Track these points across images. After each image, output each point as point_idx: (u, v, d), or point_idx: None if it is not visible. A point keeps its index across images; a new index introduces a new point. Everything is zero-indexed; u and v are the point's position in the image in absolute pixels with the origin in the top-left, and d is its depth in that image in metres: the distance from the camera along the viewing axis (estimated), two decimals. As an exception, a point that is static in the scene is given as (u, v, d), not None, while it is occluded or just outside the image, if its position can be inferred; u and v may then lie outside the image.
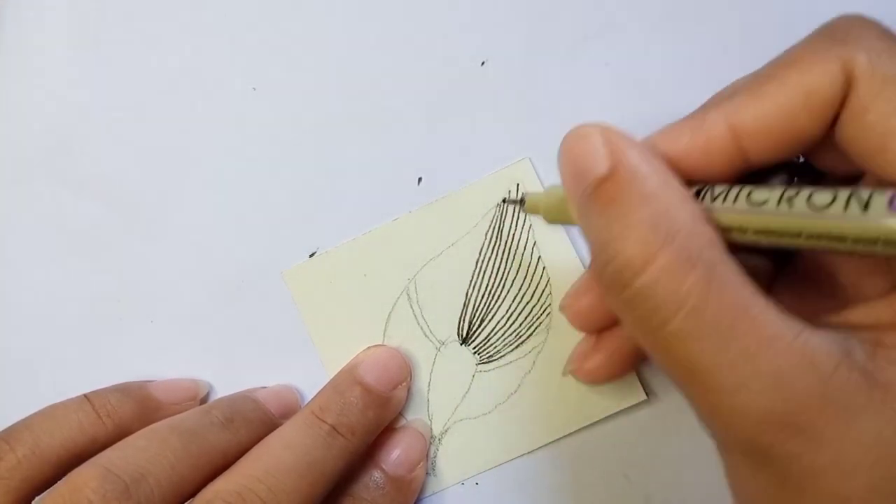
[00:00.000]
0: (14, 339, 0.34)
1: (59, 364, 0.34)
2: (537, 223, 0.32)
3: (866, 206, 0.18)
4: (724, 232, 0.21)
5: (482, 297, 0.32)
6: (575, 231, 0.32)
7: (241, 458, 0.27)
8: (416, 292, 0.32)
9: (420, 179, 0.32)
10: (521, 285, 0.32)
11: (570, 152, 0.22)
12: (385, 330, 0.32)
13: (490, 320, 0.32)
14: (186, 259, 0.33)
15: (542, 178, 0.32)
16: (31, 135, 0.34)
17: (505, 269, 0.32)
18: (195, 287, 0.33)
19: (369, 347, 0.32)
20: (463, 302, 0.32)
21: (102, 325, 0.33)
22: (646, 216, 0.20)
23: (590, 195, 0.21)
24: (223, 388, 0.33)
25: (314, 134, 0.33)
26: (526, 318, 0.32)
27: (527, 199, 0.27)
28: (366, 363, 0.30)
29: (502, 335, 0.32)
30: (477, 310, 0.32)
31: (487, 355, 0.32)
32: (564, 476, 0.32)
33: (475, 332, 0.32)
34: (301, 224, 0.33)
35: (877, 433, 0.18)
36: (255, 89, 0.33)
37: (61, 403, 0.29)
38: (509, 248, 0.32)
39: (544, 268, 0.32)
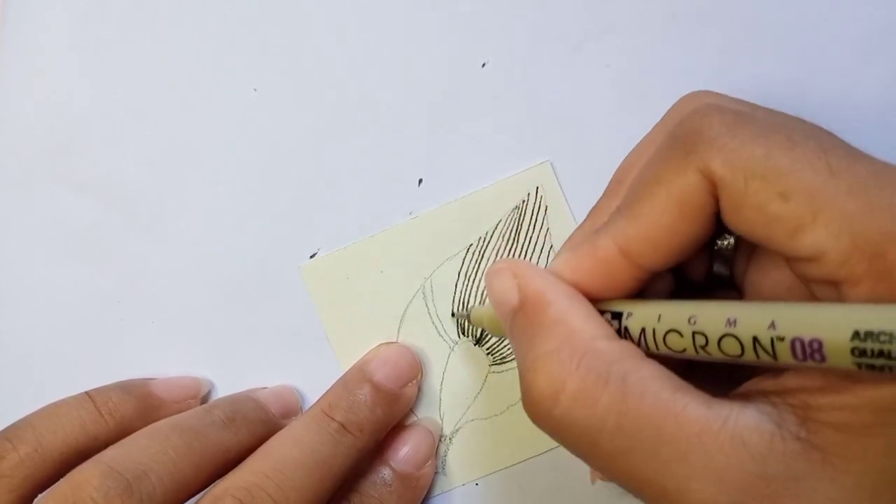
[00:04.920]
0: (15, 339, 0.34)
1: (60, 364, 0.33)
2: (554, 227, 0.32)
3: (774, 356, 0.18)
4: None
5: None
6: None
7: (251, 455, 0.27)
8: (432, 291, 0.32)
9: (420, 181, 0.32)
10: (536, 288, 0.31)
11: (490, 288, 0.24)
12: (400, 328, 0.32)
13: (504, 321, 0.32)
14: (187, 259, 0.33)
15: (560, 180, 0.31)
16: (31, 135, 0.34)
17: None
18: (195, 287, 0.33)
19: (380, 345, 0.32)
20: (478, 303, 0.32)
21: (103, 325, 0.33)
22: (553, 345, 0.21)
23: (510, 327, 0.23)
24: (225, 387, 0.33)
25: (313, 135, 0.33)
26: (539, 319, 0.31)
27: (472, 312, 0.29)
28: (376, 360, 0.30)
29: (515, 336, 0.31)
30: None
31: (500, 356, 0.32)
32: (565, 476, 0.31)
33: (489, 332, 0.32)
34: (300, 225, 0.33)
35: (824, 495, 0.18)
36: (255, 90, 0.33)
37: (63, 401, 0.29)
38: (526, 251, 0.32)
39: (559, 271, 0.31)
